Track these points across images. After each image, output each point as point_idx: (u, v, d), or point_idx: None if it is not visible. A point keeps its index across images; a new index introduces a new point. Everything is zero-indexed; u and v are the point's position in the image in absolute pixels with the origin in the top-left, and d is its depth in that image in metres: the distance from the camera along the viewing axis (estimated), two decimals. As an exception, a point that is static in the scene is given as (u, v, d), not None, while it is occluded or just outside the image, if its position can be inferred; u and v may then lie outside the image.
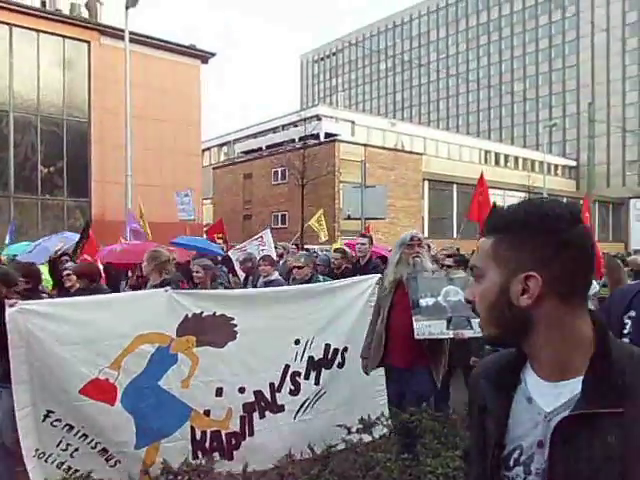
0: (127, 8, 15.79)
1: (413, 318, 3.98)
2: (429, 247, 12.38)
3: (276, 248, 10.51)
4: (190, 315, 3.68)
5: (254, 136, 43.30)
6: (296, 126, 37.39)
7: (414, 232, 4.41)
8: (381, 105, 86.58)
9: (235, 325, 3.79)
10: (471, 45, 77.34)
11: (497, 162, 49.70)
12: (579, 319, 0.98)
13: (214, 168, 38.32)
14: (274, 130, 41.38)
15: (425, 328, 3.94)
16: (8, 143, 19.29)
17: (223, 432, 3.77)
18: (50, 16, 20.06)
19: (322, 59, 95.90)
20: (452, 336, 3.94)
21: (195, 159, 23.47)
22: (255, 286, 6.75)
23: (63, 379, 3.37)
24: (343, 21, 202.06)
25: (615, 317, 1.49)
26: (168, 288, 3.79)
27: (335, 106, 48.87)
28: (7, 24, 18.90)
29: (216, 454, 3.65)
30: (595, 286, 6.92)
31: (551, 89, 69.57)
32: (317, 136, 32.75)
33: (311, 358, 4.04)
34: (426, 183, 33.40)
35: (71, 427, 3.42)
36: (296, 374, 3.99)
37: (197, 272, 5.51)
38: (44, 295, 5.72)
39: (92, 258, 6.86)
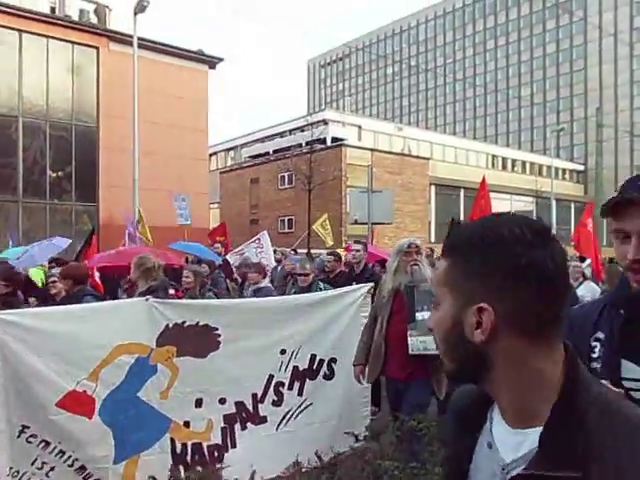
0: (135, 14, 15.91)
1: (408, 333, 3.91)
2: (432, 251, 12.31)
3: (275, 253, 10.49)
4: (171, 325, 3.59)
5: (261, 141, 43.41)
6: (303, 131, 37.43)
7: (412, 239, 4.35)
8: (388, 110, 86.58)
9: (219, 335, 3.71)
10: (478, 50, 77.25)
11: (504, 166, 49.55)
12: (543, 359, 0.83)
13: (221, 172, 38.44)
14: (281, 135, 41.46)
15: (419, 344, 3.87)
16: (17, 148, 19.44)
17: (204, 444, 3.70)
18: (59, 22, 20.23)
19: (329, 64, 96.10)
20: None
21: (202, 164, 23.55)
22: (244, 294, 6.71)
23: (39, 392, 3.26)
24: (350, 26, 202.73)
25: (580, 340, 1.34)
26: (149, 297, 3.71)
27: (342, 111, 48.93)
28: (17, 30, 19.08)
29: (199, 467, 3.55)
30: (597, 291, 6.87)
31: (558, 93, 69.35)
32: (324, 141, 32.79)
33: (296, 368, 3.97)
34: (433, 188, 33.35)
35: (47, 443, 3.29)
36: (280, 384, 3.92)
37: (187, 277, 5.48)
38: (31, 300, 5.75)
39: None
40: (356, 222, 11.86)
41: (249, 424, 3.81)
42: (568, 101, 68.40)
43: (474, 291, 0.83)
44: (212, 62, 23.58)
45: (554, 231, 0.88)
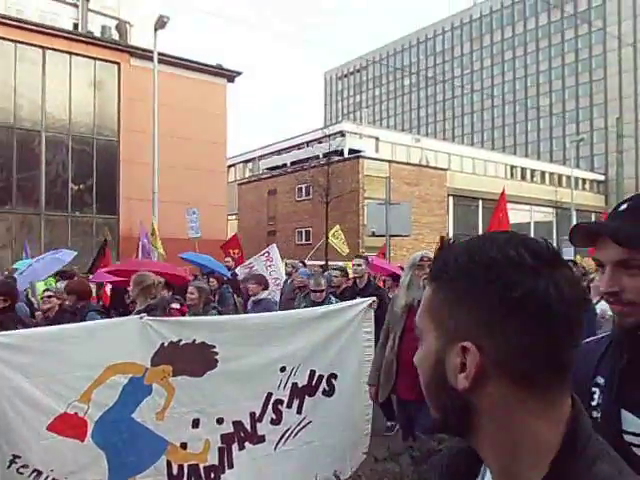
0: (156, 30, 16.22)
1: None
2: None
3: (286, 265, 10.40)
4: (166, 343, 3.49)
5: (278, 152, 43.69)
6: (320, 143, 37.56)
7: (424, 252, 4.28)
8: (405, 121, 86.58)
9: (216, 353, 3.59)
10: (496, 60, 77.01)
11: (523, 177, 49.12)
12: (539, 417, 0.68)
13: (239, 184, 38.75)
14: (298, 147, 41.69)
15: None
16: (40, 161, 19.85)
17: (201, 466, 3.59)
18: (82, 38, 20.70)
19: (346, 76, 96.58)
20: None
21: (221, 176, 23.77)
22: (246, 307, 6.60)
23: (30, 415, 3.16)
24: (367, 38, 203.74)
25: (581, 384, 1.18)
26: (143, 315, 3.63)
27: (359, 122, 49.05)
28: (41, 47, 19.56)
29: None
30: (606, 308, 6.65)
31: (578, 103, 68.72)
32: (341, 152, 32.89)
33: (295, 385, 3.85)
34: (451, 199, 33.20)
35: (39, 473, 3.17)
36: (279, 402, 3.80)
37: (191, 294, 5.40)
38: (38, 314, 5.69)
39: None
40: (374, 234, 11.84)
41: (247, 444, 3.71)
42: (588, 111, 67.71)
43: (459, 325, 0.70)
44: (230, 76, 23.88)
45: (563, 253, 0.74)
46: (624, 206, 1.21)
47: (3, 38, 18.86)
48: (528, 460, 0.68)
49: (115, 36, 23.51)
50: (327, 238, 20.58)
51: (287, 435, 3.82)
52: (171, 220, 15.92)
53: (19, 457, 3.15)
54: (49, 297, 5.30)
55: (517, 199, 35.26)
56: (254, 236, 29.85)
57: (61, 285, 5.79)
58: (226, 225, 24.55)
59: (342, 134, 36.72)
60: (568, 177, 42.50)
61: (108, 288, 7.51)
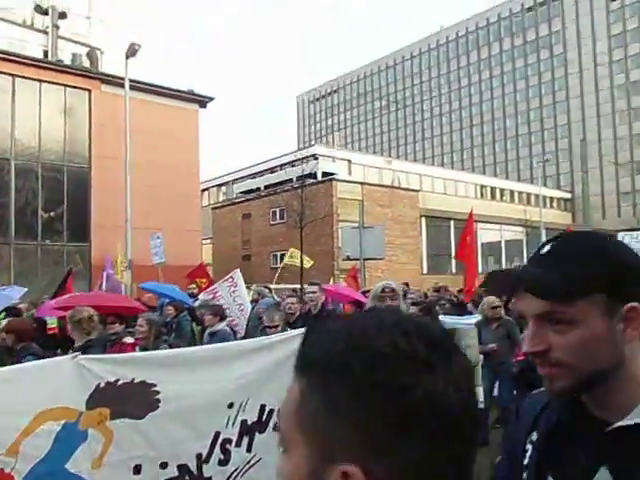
0: (127, 57, 16.29)
1: None
2: (407, 286, 12.02)
3: (251, 292, 10.24)
4: (103, 384, 3.22)
5: (252, 176, 43.82)
6: (294, 166, 37.86)
7: (386, 283, 4.12)
8: (377, 143, 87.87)
9: (157, 392, 3.32)
10: (463, 83, 79.06)
11: (493, 196, 50.16)
12: None
13: (213, 208, 38.64)
14: (272, 170, 41.90)
15: None
16: (9, 190, 19.52)
17: None
18: (52, 66, 20.60)
19: (318, 99, 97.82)
20: None
21: (194, 201, 23.70)
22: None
23: None
24: (339, 62, 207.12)
25: (519, 440, 1.08)
26: (76, 354, 3.40)
27: (331, 145, 49.61)
28: (10, 75, 19.39)
29: None
30: None
31: (542, 124, 70.79)
32: (314, 175, 33.16)
33: (244, 422, 3.58)
34: (423, 220, 33.66)
35: None
36: (227, 441, 3.54)
37: (140, 326, 5.10)
38: None
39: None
40: (348, 258, 11.96)
41: None
42: (552, 131, 69.75)
43: (340, 442, 0.53)
44: (202, 101, 23.99)
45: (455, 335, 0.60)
46: (546, 248, 1.03)
47: (-29, 66, 18.69)
48: None
49: (86, 63, 23.47)
50: (302, 263, 20.67)
51: (235, 475, 3.58)
52: (144, 247, 15.78)
53: None
54: None
55: (487, 218, 35.92)
56: (229, 260, 29.73)
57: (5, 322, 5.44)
58: (201, 250, 24.40)
59: (315, 157, 37.08)
60: (536, 196, 43.55)
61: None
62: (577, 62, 65.76)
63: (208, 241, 34.85)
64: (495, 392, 6.72)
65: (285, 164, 40.38)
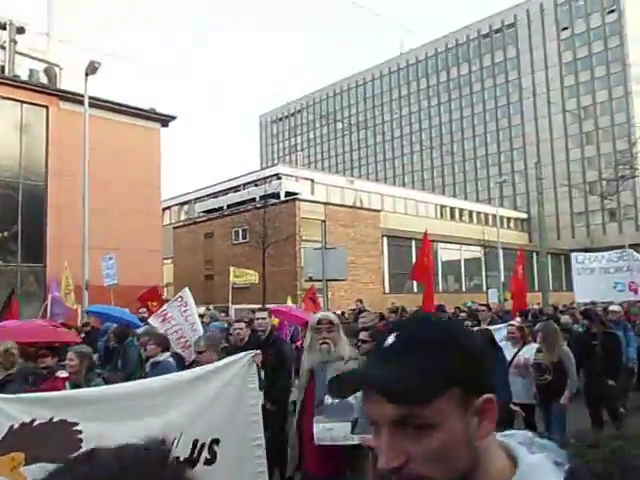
0: (87, 75, 16.03)
1: (313, 419, 3.47)
2: (361, 302, 11.78)
3: (202, 317, 9.96)
4: (17, 425, 2.97)
5: (215, 195, 43.50)
6: (257, 185, 37.84)
7: (323, 314, 4.01)
8: (339, 163, 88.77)
9: (79, 432, 3.06)
10: (422, 105, 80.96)
11: (452, 216, 51.23)
12: None
13: (174, 227, 38.10)
14: (235, 189, 41.72)
15: (326, 432, 3.44)
16: (-40, 208, 18.81)
17: None
18: (8, 82, 20.09)
19: (280, 119, 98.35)
20: (357, 442, 3.23)
21: (156, 220, 23.34)
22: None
23: None
24: (302, 82, 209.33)
25: None
26: None
27: (294, 165, 49.84)
28: (-37, 90, 18.83)
29: None
30: (531, 350, 6.63)
31: (499, 147, 72.99)
32: (277, 195, 33.19)
33: (176, 459, 3.33)
34: (385, 239, 34.03)
35: None
36: None
37: (70, 360, 4.82)
38: None
39: None
40: (311, 279, 11.97)
41: None
42: (509, 154, 71.98)
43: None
44: (164, 120, 23.78)
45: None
46: (390, 340, 0.89)
47: None
48: None
49: (44, 79, 22.98)
50: (264, 283, 20.59)
51: None
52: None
53: None
54: None
55: (447, 238, 36.61)
56: (191, 280, 29.22)
57: None
58: (161, 270, 23.98)
59: (278, 177, 37.16)
60: (494, 216, 44.70)
61: None
62: (531, 88, 68.33)
63: (169, 261, 34.28)
64: None
65: (248, 183, 40.29)
